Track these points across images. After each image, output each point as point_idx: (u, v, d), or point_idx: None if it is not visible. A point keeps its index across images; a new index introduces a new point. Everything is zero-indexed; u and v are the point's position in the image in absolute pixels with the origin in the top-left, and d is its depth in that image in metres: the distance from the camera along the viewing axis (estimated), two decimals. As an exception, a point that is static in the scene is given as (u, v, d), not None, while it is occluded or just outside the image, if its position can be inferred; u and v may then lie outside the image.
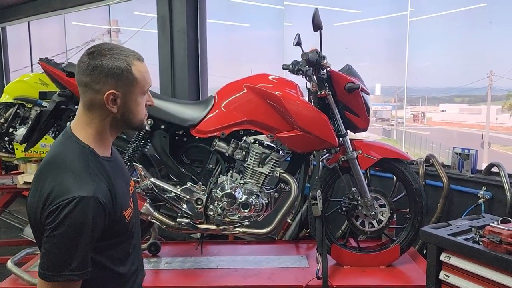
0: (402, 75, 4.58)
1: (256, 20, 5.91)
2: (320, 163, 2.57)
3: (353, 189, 2.60)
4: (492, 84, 4.81)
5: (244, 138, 2.55)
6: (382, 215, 2.62)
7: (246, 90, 2.47)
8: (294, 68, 2.59)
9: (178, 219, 2.50)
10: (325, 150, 2.62)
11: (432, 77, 4.54)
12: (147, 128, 2.48)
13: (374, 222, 2.62)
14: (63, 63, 2.47)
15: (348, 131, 2.59)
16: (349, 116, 2.55)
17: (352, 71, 2.57)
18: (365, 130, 2.64)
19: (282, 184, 2.60)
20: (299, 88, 2.55)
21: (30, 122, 2.94)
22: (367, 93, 2.59)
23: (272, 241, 3.24)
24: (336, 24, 5.01)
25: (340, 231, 3.59)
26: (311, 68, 2.47)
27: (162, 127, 2.50)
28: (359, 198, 2.58)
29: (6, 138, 4.36)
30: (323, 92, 2.49)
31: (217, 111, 2.50)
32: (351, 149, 2.55)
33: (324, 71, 2.49)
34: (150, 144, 2.54)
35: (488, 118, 7.09)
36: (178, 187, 2.49)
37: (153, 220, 2.48)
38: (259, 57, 5.63)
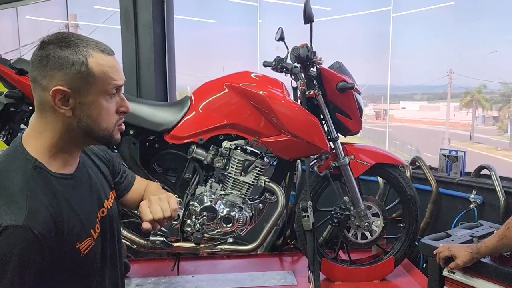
0: (369, 72, 4.47)
1: (227, 16, 5.63)
2: (315, 168, 2.29)
3: (344, 197, 2.34)
4: (451, 82, 4.84)
5: (224, 143, 2.23)
6: (374, 225, 2.38)
7: (226, 90, 2.16)
8: (278, 65, 2.31)
9: (151, 237, 2.16)
10: (314, 156, 2.35)
11: (395, 75, 4.52)
12: (112, 133, 2.12)
13: (367, 233, 2.37)
14: (11, 59, 2.07)
15: (339, 134, 2.34)
16: (341, 118, 2.28)
17: (343, 69, 2.30)
18: (357, 133, 2.39)
19: (267, 194, 2.31)
20: (285, 87, 2.26)
21: None
22: (359, 93, 2.34)
23: (254, 254, 2.95)
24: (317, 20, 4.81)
25: (321, 237, 3.35)
26: (298, 65, 2.19)
27: (131, 132, 2.15)
28: (352, 207, 2.33)
29: None
30: (312, 92, 2.21)
31: (194, 113, 2.17)
32: (343, 155, 2.29)
33: (314, 68, 2.22)
34: (116, 151, 2.18)
35: (448, 115, 7.20)
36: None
37: (123, 240, 2.13)
38: (231, 55, 5.34)
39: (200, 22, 6.02)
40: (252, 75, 2.23)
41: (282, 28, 2.22)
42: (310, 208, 2.17)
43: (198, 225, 2.16)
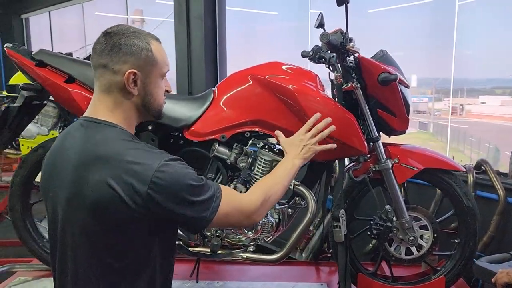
0: (440, 65, 4.11)
1: (280, 8, 5.40)
2: (350, 172, 2.00)
3: (386, 206, 2.02)
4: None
5: (250, 141, 2.01)
6: (422, 239, 2.04)
7: (251, 82, 1.92)
8: (315, 56, 2.03)
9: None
10: (351, 158, 2.05)
11: (472, 68, 4.04)
12: (130, 129, 1.98)
13: (413, 248, 2.04)
14: (32, 51, 1.99)
15: (381, 134, 2.02)
16: (383, 115, 1.96)
17: (387, 58, 1.98)
18: (403, 132, 2.05)
19: (297, 199, 2.06)
20: (319, 80, 1.99)
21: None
22: (407, 86, 2.00)
23: (287, 261, 2.71)
24: (370, 11, 4.46)
25: (370, 245, 3.02)
26: (334, 54, 1.91)
27: (150, 128, 1.99)
28: (394, 218, 2.01)
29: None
30: (349, 85, 1.92)
31: (215, 108, 1.97)
32: (384, 157, 1.97)
33: (352, 57, 1.92)
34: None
35: (536, 110, 6.44)
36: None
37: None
38: (282, 48, 5.12)
39: (255, 14, 5.82)
40: (282, 66, 1.98)
41: (322, 14, 1.93)
42: (342, 217, 1.89)
43: (218, 229, 1.96)
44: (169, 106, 1.95)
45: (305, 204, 2.01)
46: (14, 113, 1.98)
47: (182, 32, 4.91)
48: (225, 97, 1.97)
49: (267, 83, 1.89)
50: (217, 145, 1.98)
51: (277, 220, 2.01)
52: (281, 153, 1.97)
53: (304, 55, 2.13)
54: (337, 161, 2.00)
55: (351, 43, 1.81)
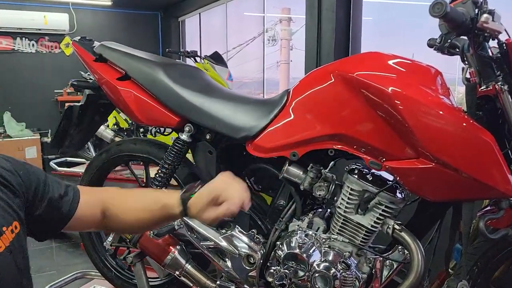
0: None
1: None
2: (481, 222, 1.27)
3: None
4: None
5: (332, 163, 1.44)
6: None
7: (334, 82, 1.35)
8: (444, 44, 1.37)
9: (218, 282, 1.55)
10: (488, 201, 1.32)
11: None
12: (184, 137, 1.58)
13: None
14: (94, 45, 1.75)
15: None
16: (548, 136, 1.19)
17: (562, 44, 1.19)
18: None
19: (399, 248, 1.41)
20: (442, 81, 1.31)
21: None
22: None
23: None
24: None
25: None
26: (465, 38, 1.22)
27: (208, 137, 1.58)
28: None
29: (141, 130, 4.03)
30: (490, 87, 1.20)
31: (286, 116, 1.44)
32: (548, 204, 1.20)
33: (494, 42, 1.20)
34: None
35: None
36: (226, 230, 1.53)
37: (182, 278, 1.58)
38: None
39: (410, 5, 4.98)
40: (383, 59, 1.36)
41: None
42: (464, 292, 1.19)
43: (284, 275, 1.44)
44: (230, 110, 1.50)
45: (407, 257, 1.37)
46: (77, 113, 1.77)
47: (312, 27, 4.42)
48: (299, 101, 1.43)
49: (355, 82, 1.29)
50: (287, 165, 1.46)
51: (365, 274, 1.41)
52: (376, 182, 1.36)
53: (430, 43, 1.47)
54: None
55: (486, 17, 1.09)
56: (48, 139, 6.13)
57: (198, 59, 4.16)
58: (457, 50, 1.34)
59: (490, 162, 1.15)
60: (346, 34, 4.30)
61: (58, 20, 6.73)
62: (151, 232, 1.50)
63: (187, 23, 8.41)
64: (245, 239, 1.48)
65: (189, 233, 1.51)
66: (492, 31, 1.11)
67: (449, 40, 1.39)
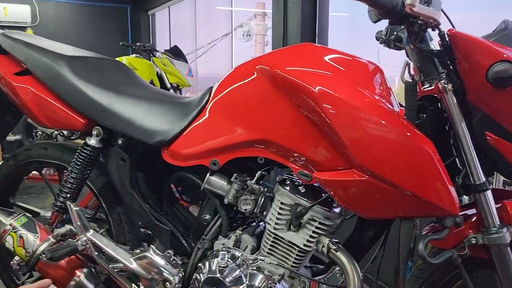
0: None
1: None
2: (420, 245, 1.08)
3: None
4: None
5: (259, 172, 1.24)
6: None
7: (256, 77, 1.15)
8: (390, 37, 1.22)
9: (132, 309, 1.34)
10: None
11: None
12: (92, 142, 1.36)
13: None
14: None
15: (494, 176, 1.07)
16: (498, 143, 1.01)
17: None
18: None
19: (337, 269, 1.23)
20: (382, 79, 1.13)
21: None
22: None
23: None
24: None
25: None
26: (402, 28, 1.05)
27: (120, 142, 1.36)
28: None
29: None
30: (433, 86, 1.03)
31: (207, 118, 1.24)
32: (497, 221, 1.02)
33: (436, 33, 1.01)
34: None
35: None
36: (139, 251, 1.32)
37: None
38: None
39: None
40: (314, 51, 1.17)
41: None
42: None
43: (206, 302, 1.25)
44: (143, 111, 1.29)
45: (344, 279, 1.19)
46: None
47: (278, 21, 4.24)
48: (221, 100, 1.23)
49: (280, 79, 1.09)
50: (208, 175, 1.26)
51: (298, 299, 1.22)
52: (309, 195, 1.17)
53: (377, 36, 1.31)
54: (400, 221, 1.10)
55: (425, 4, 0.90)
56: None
57: (156, 53, 3.92)
58: (403, 43, 1.18)
59: (430, 175, 0.97)
60: (312, 28, 4.12)
61: (19, 12, 6.40)
62: (44, 255, 1.28)
63: (158, 17, 8.12)
64: (160, 261, 1.27)
65: (96, 253, 1.29)
66: (425, 17, 0.92)
67: (394, 33, 1.22)
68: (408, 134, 0.99)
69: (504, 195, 1.10)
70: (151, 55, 3.89)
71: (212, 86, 1.29)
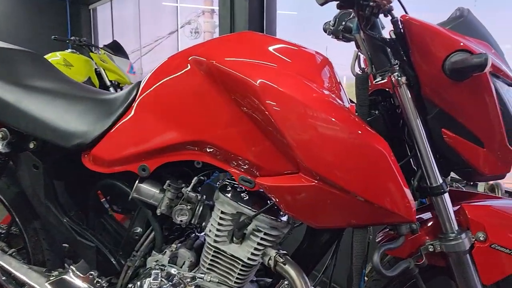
0: None
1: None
2: (375, 256, 0.97)
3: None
4: None
5: (196, 178, 1.09)
6: None
7: (189, 69, 1.00)
8: (338, 27, 1.12)
9: None
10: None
11: None
12: (-1, 147, 1.15)
13: None
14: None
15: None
16: (455, 142, 0.92)
17: (470, 24, 0.93)
18: (500, 177, 0.98)
19: (285, 284, 1.11)
20: (331, 72, 1.02)
21: None
22: (510, 84, 0.94)
23: None
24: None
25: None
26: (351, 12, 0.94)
27: (31, 146, 1.16)
28: None
29: None
30: (386, 79, 0.92)
31: (133, 117, 1.07)
32: (455, 227, 0.93)
33: (388, 19, 0.91)
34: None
35: None
36: (58, 272, 1.13)
37: None
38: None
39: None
40: (258, 42, 1.04)
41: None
42: None
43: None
44: (58, 111, 1.09)
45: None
46: None
47: (226, 16, 4.09)
48: (150, 96, 1.06)
49: (215, 71, 0.95)
50: (137, 182, 1.09)
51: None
52: (253, 202, 1.04)
53: (325, 28, 1.21)
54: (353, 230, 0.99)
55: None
56: None
57: (94, 49, 3.65)
58: (353, 33, 1.07)
59: (385, 179, 0.87)
60: (260, 25, 4.01)
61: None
62: None
63: (100, 12, 7.71)
64: (81, 284, 1.09)
65: (3, 278, 1.09)
66: (381, 3, 0.81)
67: (343, 22, 1.12)
68: (361, 133, 0.87)
69: (460, 196, 1.02)
70: (89, 50, 3.61)
71: (141, 81, 1.12)
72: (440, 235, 0.95)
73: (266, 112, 0.89)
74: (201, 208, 1.10)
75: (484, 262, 0.93)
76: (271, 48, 1.00)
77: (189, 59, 1.00)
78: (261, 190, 1.01)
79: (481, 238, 0.92)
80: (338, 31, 1.15)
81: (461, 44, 0.83)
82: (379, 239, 1.07)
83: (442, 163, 0.95)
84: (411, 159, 0.99)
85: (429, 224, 1.00)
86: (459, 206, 0.96)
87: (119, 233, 1.29)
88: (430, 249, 0.96)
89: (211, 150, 1.00)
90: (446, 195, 0.93)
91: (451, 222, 0.93)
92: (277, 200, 0.96)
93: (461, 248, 0.92)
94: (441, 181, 0.92)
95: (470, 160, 0.91)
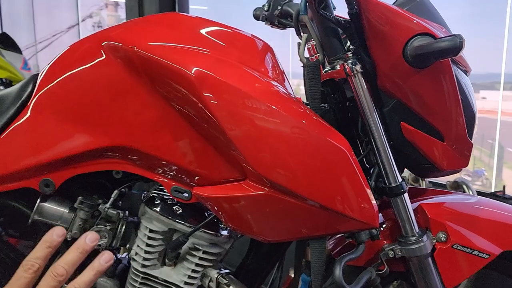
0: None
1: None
2: (337, 269, 0.85)
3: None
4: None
5: (116, 192, 0.89)
6: None
7: (104, 58, 0.80)
8: (273, 12, 0.98)
9: None
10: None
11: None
12: None
13: None
14: None
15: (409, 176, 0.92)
16: (415, 135, 0.83)
17: (424, 6, 0.85)
18: (457, 171, 0.93)
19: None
20: (274, 60, 0.88)
21: None
22: (467, 72, 0.88)
23: None
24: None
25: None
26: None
27: None
28: None
29: None
30: (338, 67, 0.80)
31: (29, 120, 0.84)
32: (416, 229, 0.85)
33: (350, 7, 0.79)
34: None
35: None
36: None
37: None
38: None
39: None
40: (187, 23, 0.86)
41: None
42: None
43: None
44: None
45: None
46: None
47: (134, 7, 3.79)
48: (50, 93, 0.84)
49: (137, 59, 0.76)
50: (38, 201, 0.86)
51: None
52: (189, 215, 0.86)
53: (256, 14, 1.08)
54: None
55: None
56: None
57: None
58: (290, 19, 0.95)
59: (346, 182, 0.75)
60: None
61: None
62: None
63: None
64: None
65: None
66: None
67: (279, 7, 0.99)
68: (317, 128, 0.75)
69: (416, 193, 0.95)
70: (-29, 43, 3.10)
71: (37, 73, 0.88)
72: (400, 238, 0.86)
73: (202, 106, 0.73)
74: (123, 228, 0.90)
75: (446, 264, 0.86)
76: (203, 31, 0.84)
77: (103, 44, 0.80)
78: (197, 202, 0.84)
79: (442, 239, 0.85)
80: (273, 16, 1.02)
81: (425, 27, 0.74)
82: (331, 247, 0.96)
83: (396, 159, 0.86)
84: (364, 159, 0.89)
85: (385, 226, 0.91)
86: (417, 205, 0.88)
87: (16, 262, 1.03)
88: (390, 255, 0.87)
89: (134, 157, 0.81)
90: (406, 195, 0.84)
91: (411, 223, 0.85)
92: (220, 213, 0.80)
93: (423, 252, 0.85)
94: (400, 180, 0.83)
95: (429, 155, 0.83)
